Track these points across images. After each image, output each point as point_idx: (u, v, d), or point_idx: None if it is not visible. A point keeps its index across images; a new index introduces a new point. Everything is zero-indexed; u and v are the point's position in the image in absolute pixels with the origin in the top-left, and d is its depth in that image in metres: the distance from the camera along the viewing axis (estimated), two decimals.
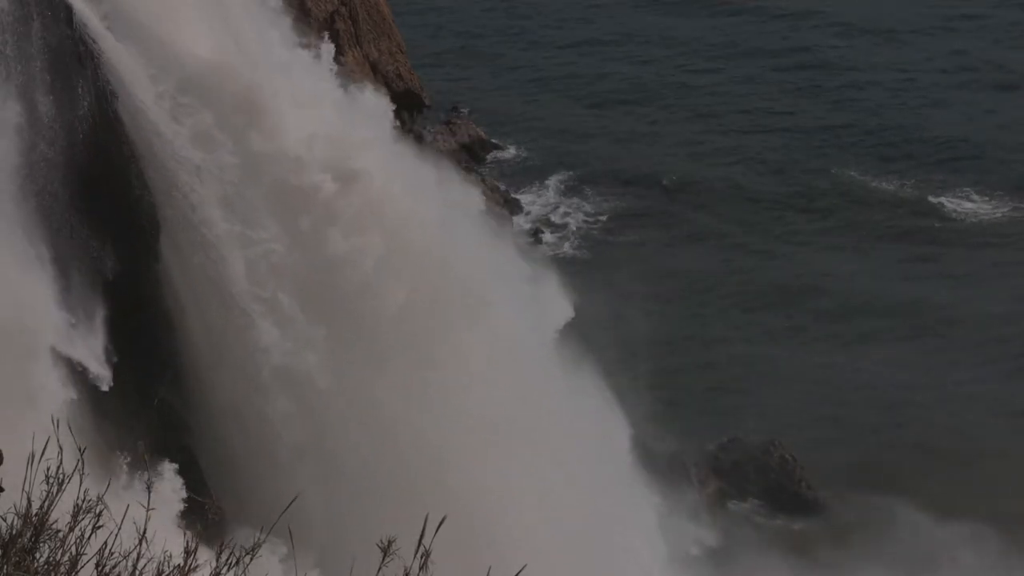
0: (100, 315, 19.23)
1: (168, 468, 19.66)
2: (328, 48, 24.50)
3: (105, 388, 18.64)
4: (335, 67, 24.20)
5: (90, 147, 19.28)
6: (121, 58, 19.27)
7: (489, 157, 51.23)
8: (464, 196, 27.34)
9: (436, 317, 22.80)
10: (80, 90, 19.12)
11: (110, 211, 19.68)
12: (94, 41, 18.96)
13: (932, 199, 47.54)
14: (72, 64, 18.92)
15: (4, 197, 17.85)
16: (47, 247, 18.42)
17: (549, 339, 26.71)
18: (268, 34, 22.58)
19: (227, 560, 5.33)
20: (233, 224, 20.56)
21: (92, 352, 18.78)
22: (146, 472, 17.71)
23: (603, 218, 46.95)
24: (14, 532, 5.28)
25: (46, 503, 5.33)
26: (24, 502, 5.35)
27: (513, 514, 22.92)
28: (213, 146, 20.29)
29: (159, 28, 19.74)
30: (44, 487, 5.36)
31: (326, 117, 22.34)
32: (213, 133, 20.29)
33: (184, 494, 19.08)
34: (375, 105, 24.86)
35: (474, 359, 23.31)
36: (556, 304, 27.46)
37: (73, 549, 5.35)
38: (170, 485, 19.28)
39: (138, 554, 5.37)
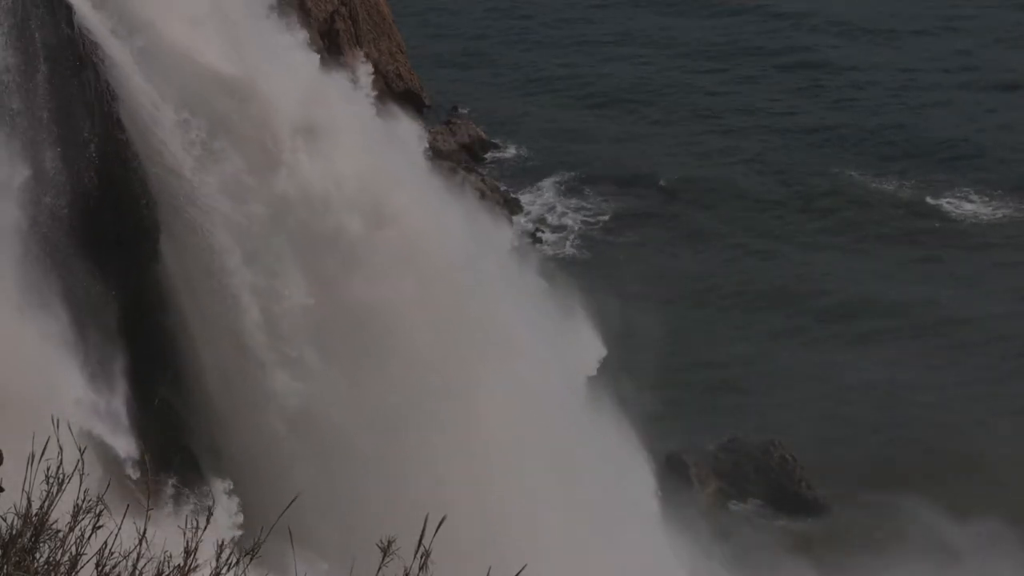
0: (119, 365, 18.54)
1: (219, 488, 18.85)
2: (366, 71, 23.51)
3: (131, 474, 17.43)
4: (373, 93, 23.23)
5: (98, 191, 18.69)
6: (146, 97, 18.55)
7: (489, 157, 51.23)
8: (494, 233, 26.68)
9: (463, 364, 22.20)
10: (87, 133, 18.53)
11: (120, 254, 19.17)
12: (109, 71, 18.30)
13: (932, 199, 47.54)
14: (78, 107, 18.33)
15: (15, 261, 17.13)
16: (62, 307, 17.70)
17: (579, 382, 26.01)
18: (300, 60, 21.62)
19: (227, 560, 5.33)
20: (258, 276, 19.82)
21: (115, 419, 17.96)
22: (167, 486, 17.12)
23: (603, 218, 46.94)
24: (14, 532, 5.28)
25: (46, 503, 5.33)
26: (24, 502, 5.36)
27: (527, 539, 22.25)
28: (243, 194, 19.44)
29: (190, 64, 18.97)
30: (44, 487, 5.36)
31: (359, 151, 21.42)
32: (243, 179, 19.50)
33: (241, 518, 18.18)
34: (409, 133, 24.12)
35: (501, 410, 22.61)
36: (587, 344, 26.79)
37: (73, 549, 5.35)
38: (225, 510, 18.60)
39: (138, 554, 5.37)
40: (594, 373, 26.59)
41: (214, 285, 19.66)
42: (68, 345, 17.53)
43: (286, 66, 21.05)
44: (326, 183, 20.66)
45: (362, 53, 29.82)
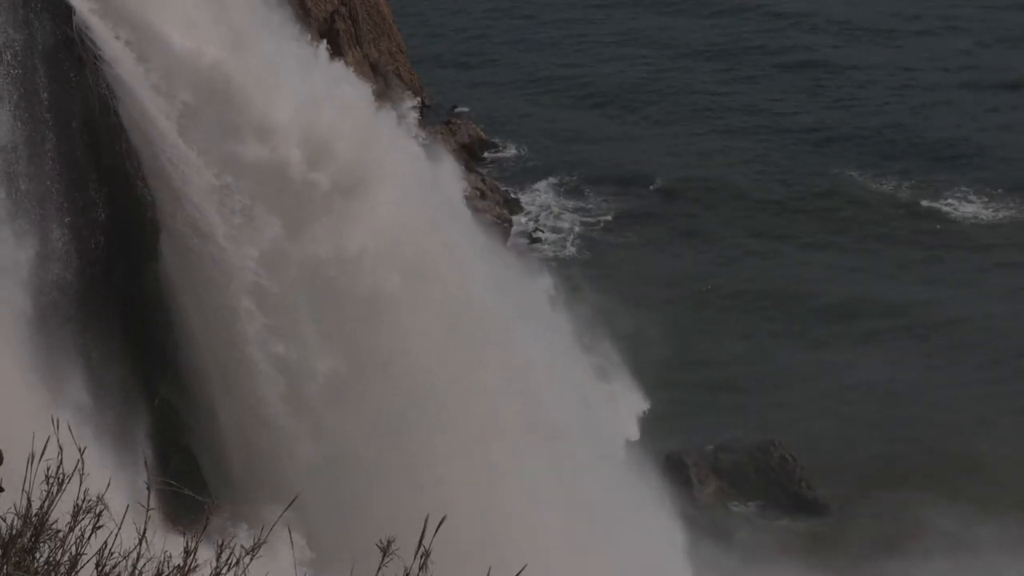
0: (141, 429, 18.29)
1: (273, 514, 18.41)
2: (412, 102, 22.56)
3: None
4: (421, 132, 22.26)
5: (106, 254, 18.38)
6: (178, 155, 17.89)
7: (489, 157, 51.21)
8: (534, 288, 26.03)
9: (497, 440, 21.98)
10: (94, 194, 18.16)
11: (131, 305, 18.92)
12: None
13: (932, 199, 47.52)
14: (88, 170, 17.92)
15: (31, 341, 16.73)
16: (83, 386, 17.43)
17: (619, 445, 25.56)
18: (351, 96, 20.75)
19: (227, 560, 5.32)
20: (289, 351, 19.35)
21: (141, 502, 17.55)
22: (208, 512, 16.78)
23: (603, 218, 46.92)
24: (14, 532, 5.28)
25: (46, 503, 5.33)
26: (24, 502, 5.35)
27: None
28: (281, 263, 18.68)
29: (227, 112, 18.20)
30: (44, 487, 5.35)
31: (402, 204, 20.46)
32: (281, 245, 18.66)
33: (311, 553, 17.66)
34: (450, 176, 23.35)
35: (541, 481, 22.36)
36: (628, 402, 26.25)
37: (73, 549, 5.34)
38: (288, 544, 17.93)
39: (138, 554, 5.36)
40: (636, 436, 26.26)
41: (237, 355, 19.16)
42: (93, 428, 17.12)
43: (336, 104, 20.21)
44: (366, 240, 19.97)
45: (404, 80, 29.23)
